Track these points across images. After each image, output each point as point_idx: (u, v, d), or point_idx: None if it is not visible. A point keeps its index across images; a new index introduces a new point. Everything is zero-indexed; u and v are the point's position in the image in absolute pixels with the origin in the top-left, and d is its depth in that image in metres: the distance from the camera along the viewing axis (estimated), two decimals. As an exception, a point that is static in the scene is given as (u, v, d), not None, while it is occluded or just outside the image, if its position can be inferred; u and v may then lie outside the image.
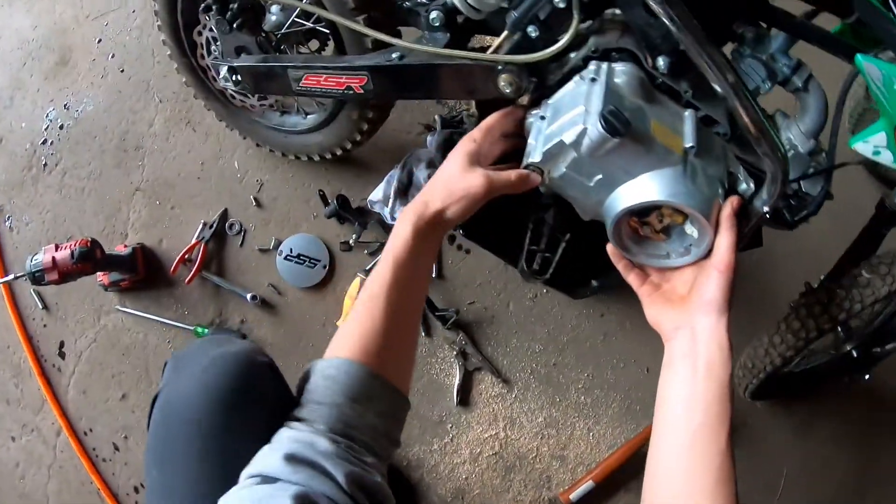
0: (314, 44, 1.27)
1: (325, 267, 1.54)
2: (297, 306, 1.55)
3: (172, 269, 1.56)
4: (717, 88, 0.71)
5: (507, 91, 0.89)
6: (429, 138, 1.39)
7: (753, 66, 0.84)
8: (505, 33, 0.86)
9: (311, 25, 1.16)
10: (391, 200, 1.38)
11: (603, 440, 1.43)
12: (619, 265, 0.85)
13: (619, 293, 1.45)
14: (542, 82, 0.88)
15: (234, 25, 1.19)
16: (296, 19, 1.16)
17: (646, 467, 0.73)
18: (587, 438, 1.43)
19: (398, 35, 1.01)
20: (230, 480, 0.61)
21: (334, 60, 1.08)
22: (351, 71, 1.02)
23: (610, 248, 0.84)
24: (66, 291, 1.62)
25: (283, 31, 1.18)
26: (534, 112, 0.87)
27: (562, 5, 0.80)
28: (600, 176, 0.77)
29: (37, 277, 1.43)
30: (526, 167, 0.81)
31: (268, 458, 0.62)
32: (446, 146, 1.35)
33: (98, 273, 1.54)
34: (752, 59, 0.84)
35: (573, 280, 1.23)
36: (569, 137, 0.75)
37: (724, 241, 0.74)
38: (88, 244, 1.45)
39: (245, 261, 1.58)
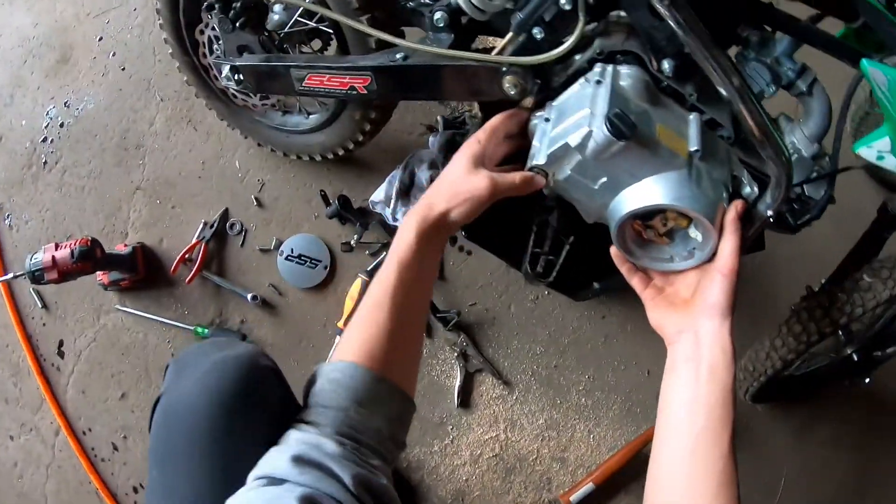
0: (317, 43, 1.26)
1: (326, 267, 1.54)
2: (297, 307, 1.55)
3: (173, 268, 1.55)
4: (722, 92, 0.71)
5: (512, 93, 0.89)
6: (431, 139, 1.39)
7: (758, 69, 0.84)
8: (510, 34, 0.86)
9: (315, 25, 1.16)
10: (393, 201, 1.38)
11: (603, 442, 1.43)
12: (623, 268, 0.85)
13: (620, 295, 1.46)
14: (547, 84, 0.87)
15: (237, 24, 1.19)
16: (299, 19, 1.16)
17: (648, 471, 0.73)
18: (588, 440, 1.43)
19: (402, 35, 1.01)
20: (231, 483, 0.61)
21: (338, 60, 1.08)
22: (354, 71, 1.02)
23: (614, 251, 0.84)
24: (66, 290, 1.62)
25: (285, 30, 1.18)
26: (538, 114, 0.86)
27: (567, 7, 0.80)
28: (605, 179, 0.77)
29: (36, 276, 1.42)
30: (530, 169, 0.81)
31: (275, 459, 0.62)
32: (448, 147, 1.35)
33: (98, 272, 1.54)
34: (757, 62, 0.84)
35: (576, 282, 1.23)
36: (574, 140, 0.75)
37: (728, 245, 0.74)
38: (88, 243, 1.44)
39: (246, 261, 1.58)
